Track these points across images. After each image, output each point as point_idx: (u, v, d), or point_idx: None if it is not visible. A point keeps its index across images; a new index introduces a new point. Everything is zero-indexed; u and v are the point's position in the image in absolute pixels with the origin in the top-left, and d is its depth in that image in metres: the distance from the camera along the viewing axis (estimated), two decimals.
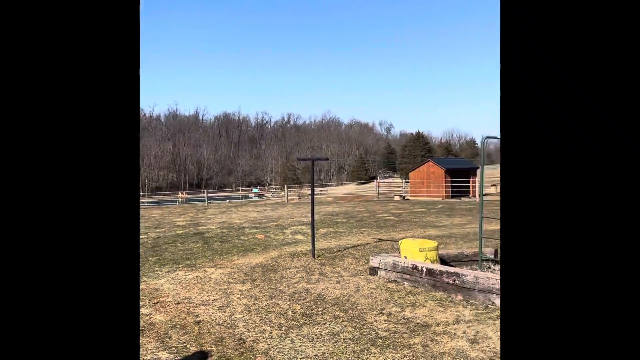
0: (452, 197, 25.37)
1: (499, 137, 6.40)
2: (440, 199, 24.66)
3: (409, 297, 4.90)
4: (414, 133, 79.59)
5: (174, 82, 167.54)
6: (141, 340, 3.84)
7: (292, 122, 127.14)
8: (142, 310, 4.70)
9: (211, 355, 3.46)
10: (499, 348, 3.46)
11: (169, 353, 3.55)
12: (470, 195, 25.71)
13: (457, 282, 4.85)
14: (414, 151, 72.58)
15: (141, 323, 4.29)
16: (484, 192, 5.72)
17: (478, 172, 27.86)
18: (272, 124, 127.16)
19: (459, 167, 27.82)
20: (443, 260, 6.14)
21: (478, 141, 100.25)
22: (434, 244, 5.90)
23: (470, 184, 26.26)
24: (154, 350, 3.60)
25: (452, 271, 4.96)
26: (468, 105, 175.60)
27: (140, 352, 3.57)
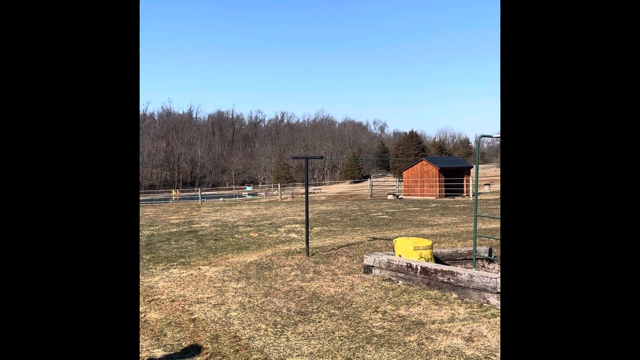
0: (446, 196, 25.46)
1: (494, 135, 6.41)
2: (434, 197, 24.74)
3: (403, 295, 4.91)
4: (408, 132, 79.74)
5: (167, 80, 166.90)
6: None
7: (285, 121, 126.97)
8: None
9: (207, 353, 3.46)
10: (494, 346, 3.48)
11: (164, 350, 3.54)
12: (464, 194, 25.82)
13: (451, 280, 4.87)
14: (408, 150, 72.69)
15: None
16: (477, 191, 5.75)
17: (472, 171, 27.99)
18: (265, 123, 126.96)
19: (452, 166, 27.92)
20: (437, 259, 6.16)
21: (472, 140, 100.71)
22: (428, 242, 5.92)
23: (464, 183, 26.37)
24: (149, 348, 3.59)
25: (447, 269, 4.98)
26: (461, 105, 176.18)
27: None
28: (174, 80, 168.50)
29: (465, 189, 26.28)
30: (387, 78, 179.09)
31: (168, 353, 3.49)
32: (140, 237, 10.14)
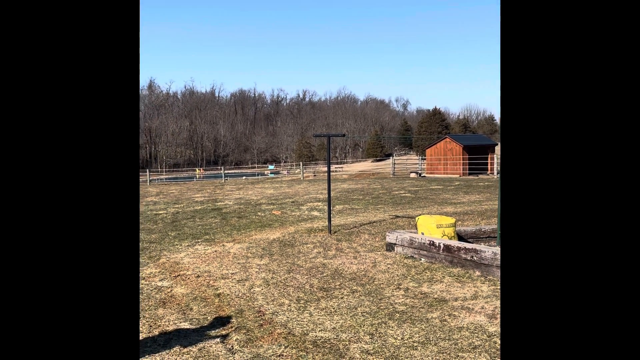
0: (470, 174, 25.15)
1: None
2: (458, 176, 24.47)
3: (426, 272, 4.91)
4: (431, 109, 78.61)
5: (190, 59, 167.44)
6: (163, 311, 3.94)
7: (307, 99, 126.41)
8: (164, 283, 4.80)
9: (232, 327, 3.54)
10: None
11: (191, 324, 3.63)
12: (488, 172, 25.46)
13: (475, 258, 4.84)
14: (431, 128, 71.78)
15: (162, 295, 4.39)
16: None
17: (496, 148, 27.54)
18: (287, 101, 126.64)
19: (477, 143, 27.47)
20: (461, 237, 6.12)
21: (497, 117, 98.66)
22: (451, 220, 5.88)
23: (489, 161, 25.97)
24: (176, 322, 3.69)
25: (470, 247, 4.95)
26: (487, 81, 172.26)
27: (163, 323, 3.66)
28: (196, 59, 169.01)
29: (489, 166, 25.88)
30: (410, 54, 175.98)
31: (194, 326, 3.58)
32: (165, 215, 10.34)
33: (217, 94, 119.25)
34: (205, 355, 3.05)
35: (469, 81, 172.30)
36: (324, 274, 4.96)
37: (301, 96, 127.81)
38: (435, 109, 76.86)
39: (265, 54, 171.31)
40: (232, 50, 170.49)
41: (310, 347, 3.14)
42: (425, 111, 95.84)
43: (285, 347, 3.15)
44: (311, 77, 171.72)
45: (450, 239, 5.65)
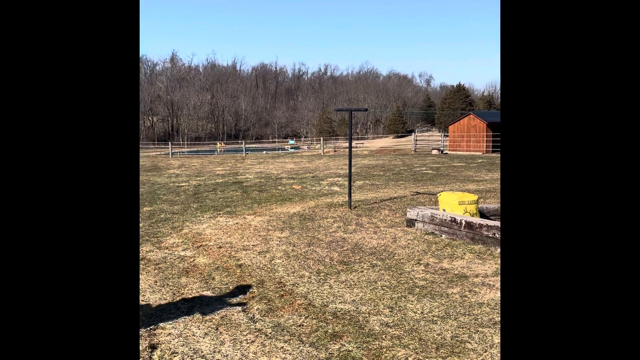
0: (493, 151, 24.75)
1: None
2: (481, 153, 24.12)
3: (446, 249, 4.89)
4: (455, 85, 77.19)
5: (212, 32, 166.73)
6: (186, 280, 4.02)
7: (329, 74, 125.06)
8: (187, 253, 4.89)
9: (253, 297, 3.60)
10: None
11: (213, 292, 3.70)
12: None
13: (497, 235, 4.80)
14: (454, 104, 70.62)
15: (185, 264, 4.47)
16: None
17: None
18: (309, 75, 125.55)
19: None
20: (483, 214, 6.06)
21: None
22: (473, 197, 5.81)
23: None
24: (198, 290, 3.77)
25: (492, 224, 4.90)
26: None
27: (186, 291, 3.74)
28: (218, 32, 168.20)
29: None
30: (435, 29, 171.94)
31: (216, 295, 3.65)
32: (187, 187, 10.47)
33: (238, 68, 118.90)
34: (227, 323, 3.11)
35: (494, 57, 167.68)
36: (344, 248, 4.99)
37: (323, 71, 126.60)
38: (460, 84, 75.42)
39: (287, 28, 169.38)
40: (253, 23, 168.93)
41: (330, 318, 3.18)
42: (449, 87, 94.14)
43: (306, 318, 3.19)
44: (333, 51, 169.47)
45: (472, 216, 5.60)
